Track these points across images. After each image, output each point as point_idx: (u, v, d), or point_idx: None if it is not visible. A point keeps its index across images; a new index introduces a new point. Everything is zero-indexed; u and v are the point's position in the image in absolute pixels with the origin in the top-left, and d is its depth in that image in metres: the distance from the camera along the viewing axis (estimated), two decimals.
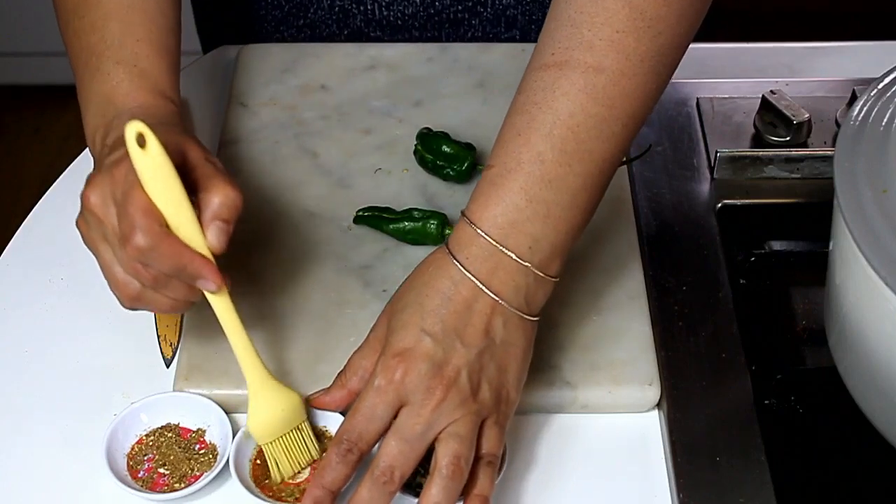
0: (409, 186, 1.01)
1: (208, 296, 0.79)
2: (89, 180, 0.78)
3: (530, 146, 0.77)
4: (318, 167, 1.03)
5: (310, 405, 0.83)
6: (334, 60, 1.12)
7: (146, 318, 0.93)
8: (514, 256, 0.76)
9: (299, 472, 0.82)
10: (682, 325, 0.90)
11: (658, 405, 0.87)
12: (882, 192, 0.75)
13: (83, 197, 0.78)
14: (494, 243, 0.76)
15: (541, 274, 0.78)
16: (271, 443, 0.81)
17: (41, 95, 2.50)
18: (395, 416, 0.77)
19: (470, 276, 0.77)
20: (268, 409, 0.81)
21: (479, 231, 0.77)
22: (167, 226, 0.76)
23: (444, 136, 1.00)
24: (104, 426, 0.84)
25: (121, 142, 0.76)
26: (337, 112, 1.08)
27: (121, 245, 0.76)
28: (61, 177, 1.05)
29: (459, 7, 1.15)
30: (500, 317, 0.77)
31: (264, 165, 1.03)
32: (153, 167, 0.74)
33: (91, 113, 0.86)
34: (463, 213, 0.79)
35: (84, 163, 1.07)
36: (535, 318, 0.79)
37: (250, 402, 0.82)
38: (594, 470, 0.84)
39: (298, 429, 0.82)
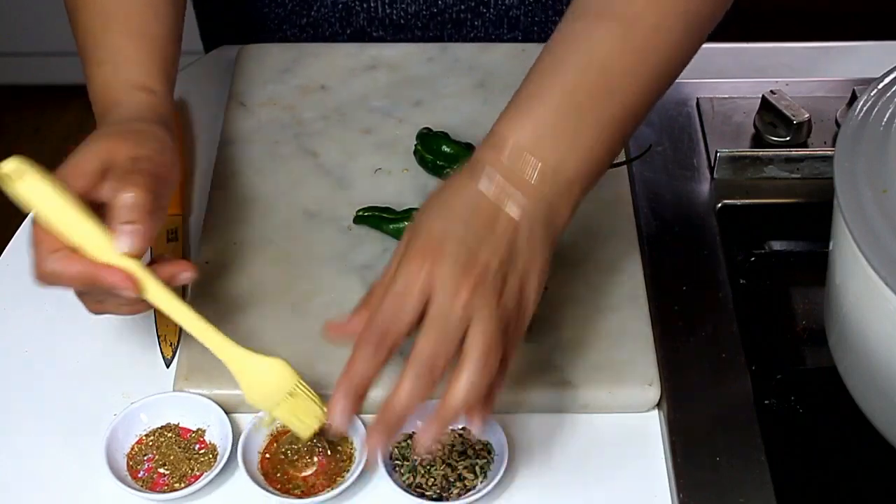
0: (409, 186, 1.01)
1: (151, 298, 0.79)
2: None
3: (562, 77, 0.78)
4: (318, 167, 1.03)
5: (330, 333, 0.79)
6: (334, 60, 1.12)
7: (146, 318, 0.93)
8: (539, 171, 0.76)
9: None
10: (682, 325, 0.90)
11: (658, 405, 0.87)
12: (882, 192, 0.75)
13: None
14: (523, 156, 0.76)
15: (563, 194, 0.77)
16: (279, 406, 0.81)
17: (41, 95, 2.50)
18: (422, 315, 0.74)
19: (496, 186, 0.76)
20: (259, 378, 0.81)
21: (506, 145, 0.77)
22: (72, 248, 0.77)
23: (443, 136, 1.00)
24: (104, 426, 0.84)
25: None
26: (337, 112, 1.08)
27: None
28: None
29: (462, 7, 1.15)
30: (524, 228, 0.76)
31: (264, 165, 1.03)
32: (35, 197, 0.76)
33: (95, 114, 0.88)
34: (491, 130, 0.79)
35: None
36: (557, 233, 0.79)
37: (239, 380, 0.81)
38: (594, 470, 0.84)
39: (298, 386, 0.81)
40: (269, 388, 0.81)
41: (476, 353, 0.73)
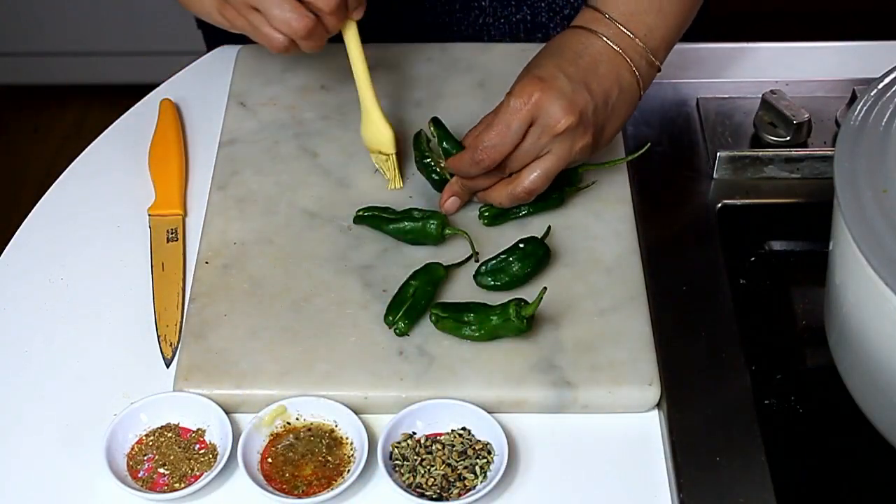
0: (409, 186, 1.01)
1: (350, 40, 0.95)
2: None
3: None
4: (318, 167, 1.03)
5: (449, 166, 0.97)
6: (334, 60, 1.12)
7: (146, 318, 0.93)
8: (635, 38, 0.93)
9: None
10: (682, 325, 0.90)
11: (658, 405, 0.87)
12: (882, 192, 0.75)
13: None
14: (619, 25, 0.92)
15: (652, 58, 0.94)
16: (377, 153, 0.99)
17: (41, 95, 2.50)
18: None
19: (602, 38, 0.92)
20: (379, 124, 0.98)
21: (606, 15, 0.93)
22: None
23: (445, 134, 0.99)
24: (104, 426, 0.84)
25: None
26: (337, 112, 1.08)
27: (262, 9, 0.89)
28: (61, 177, 1.05)
29: None
30: (621, 78, 0.93)
31: (264, 165, 1.03)
32: None
33: None
34: (586, 4, 0.95)
35: (84, 163, 1.07)
36: (641, 96, 0.95)
37: (364, 116, 0.98)
38: (594, 470, 0.84)
39: (393, 157, 0.99)
40: (382, 133, 0.98)
41: (525, 188, 0.93)
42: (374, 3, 1.16)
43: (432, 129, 0.99)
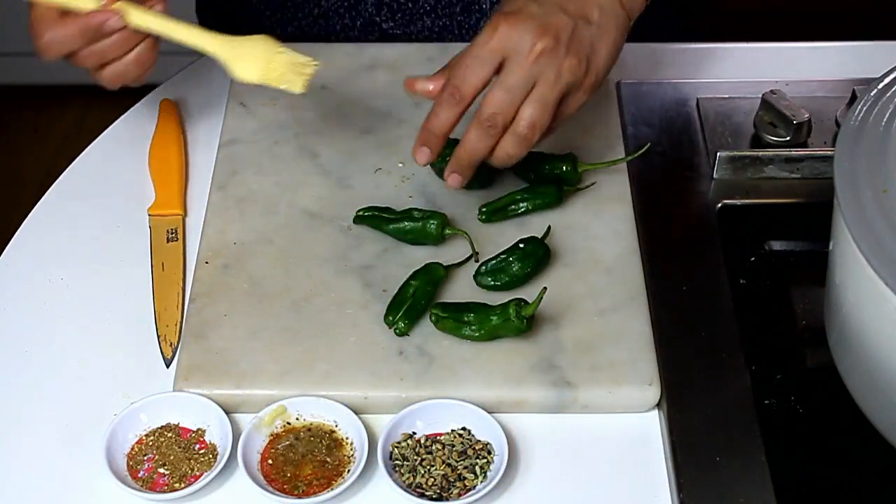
0: (409, 186, 1.01)
1: (134, 21, 0.88)
2: None
3: None
4: (318, 167, 1.03)
5: (408, 88, 0.93)
6: (334, 60, 1.12)
7: (146, 318, 0.93)
8: None
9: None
10: (682, 325, 0.90)
11: (658, 405, 0.87)
12: (882, 192, 0.75)
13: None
14: None
15: None
16: (271, 69, 0.89)
17: (41, 95, 2.50)
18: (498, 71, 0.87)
19: None
20: (247, 53, 0.89)
21: None
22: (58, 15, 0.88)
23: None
24: (104, 426, 0.84)
25: None
26: (337, 112, 1.08)
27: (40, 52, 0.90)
28: (61, 177, 1.05)
29: None
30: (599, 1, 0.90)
31: (264, 165, 1.03)
32: None
33: None
34: None
35: (84, 163, 1.07)
36: (628, 19, 0.92)
37: (231, 65, 0.89)
38: (594, 470, 0.84)
39: (282, 50, 0.88)
40: (257, 59, 0.88)
41: (524, 122, 0.88)
42: (376, 5, 1.16)
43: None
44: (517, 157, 0.91)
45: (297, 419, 0.85)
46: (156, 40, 0.92)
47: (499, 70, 0.88)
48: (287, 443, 0.84)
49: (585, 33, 0.89)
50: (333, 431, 0.85)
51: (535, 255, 0.93)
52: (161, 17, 0.89)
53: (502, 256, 0.93)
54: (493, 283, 0.92)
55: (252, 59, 0.89)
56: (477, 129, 0.89)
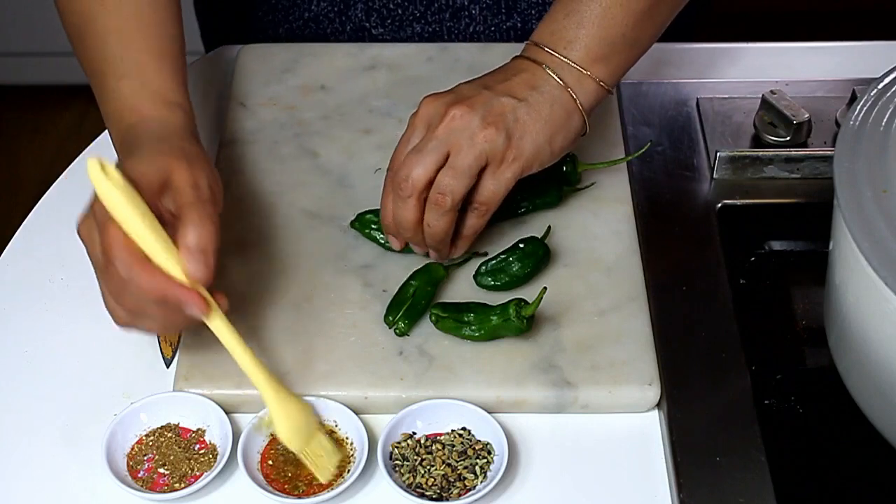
0: None
1: (212, 324, 0.80)
2: (85, 208, 0.81)
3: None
4: (318, 167, 1.03)
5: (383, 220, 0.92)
6: (334, 60, 1.12)
7: None
8: (553, 53, 0.90)
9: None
10: (682, 325, 0.90)
11: (658, 405, 0.87)
12: (882, 192, 0.75)
13: (77, 225, 0.81)
14: (537, 45, 0.91)
15: (579, 68, 0.90)
16: (302, 450, 0.82)
17: (41, 95, 2.50)
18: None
19: (523, 57, 0.91)
20: (295, 417, 0.82)
21: (532, 41, 0.92)
22: (146, 256, 0.77)
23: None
24: (104, 426, 0.84)
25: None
26: (337, 112, 1.08)
27: (101, 277, 0.80)
28: (61, 177, 1.05)
29: None
30: (539, 80, 0.89)
31: (264, 165, 1.03)
32: (115, 199, 0.76)
33: (111, 129, 0.89)
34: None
35: (84, 163, 1.06)
36: (574, 101, 0.90)
37: (274, 415, 0.81)
38: (594, 470, 0.84)
39: (321, 428, 0.84)
40: (302, 423, 0.82)
41: (435, 191, 0.87)
42: (366, 11, 1.16)
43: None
44: (440, 231, 0.89)
45: None
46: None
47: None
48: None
49: (508, 106, 0.87)
50: (333, 431, 0.85)
51: (536, 255, 0.93)
52: (233, 335, 0.81)
53: (502, 257, 0.93)
54: (493, 283, 0.92)
55: (296, 427, 0.82)
56: (392, 194, 0.90)
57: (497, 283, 0.92)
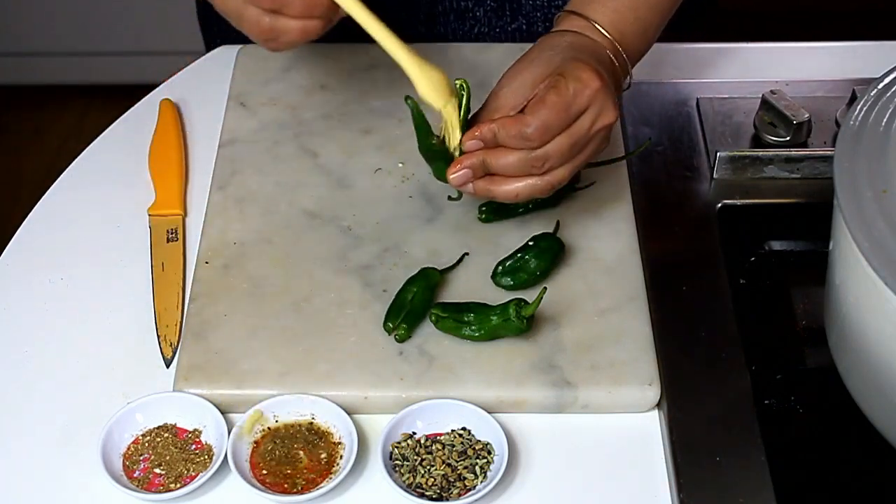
0: (409, 186, 1.01)
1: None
2: None
3: None
4: (318, 167, 1.03)
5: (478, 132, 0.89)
6: (334, 60, 1.12)
7: (146, 318, 0.93)
8: (614, 42, 0.93)
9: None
10: (682, 325, 0.90)
11: (658, 405, 0.87)
12: (882, 192, 0.75)
13: None
14: (600, 29, 0.94)
15: (626, 62, 0.95)
16: (445, 106, 0.88)
17: (41, 95, 2.50)
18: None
19: (593, 39, 0.93)
20: (435, 78, 0.88)
21: (593, 23, 0.94)
22: None
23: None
24: (104, 426, 0.84)
25: None
26: (337, 112, 1.08)
27: None
28: (61, 177, 1.05)
29: None
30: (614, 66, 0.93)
31: (264, 165, 1.03)
32: None
33: None
34: (570, 11, 0.95)
35: (84, 163, 1.07)
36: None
37: (414, 77, 0.88)
38: (594, 470, 0.84)
39: (453, 98, 0.89)
40: (441, 81, 0.88)
41: (555, 179, 0.89)
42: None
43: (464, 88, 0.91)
44: (515, 200, 0.91)
45: (275, 421, 0.85)
46: (327, 24, 0.88)
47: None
48: (270, 447, 0.84)
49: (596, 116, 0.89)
50: (312, 424, 0.85)
51: (552, 251, 0.93)
52: (366, 9, 0.88)
53: (518, 255, 0.93)
54: (512, 282, 0.92)
55: (435, 85, 0.89)
56: (521, 159, 0.87)
57: (516, 282, 0.92)
